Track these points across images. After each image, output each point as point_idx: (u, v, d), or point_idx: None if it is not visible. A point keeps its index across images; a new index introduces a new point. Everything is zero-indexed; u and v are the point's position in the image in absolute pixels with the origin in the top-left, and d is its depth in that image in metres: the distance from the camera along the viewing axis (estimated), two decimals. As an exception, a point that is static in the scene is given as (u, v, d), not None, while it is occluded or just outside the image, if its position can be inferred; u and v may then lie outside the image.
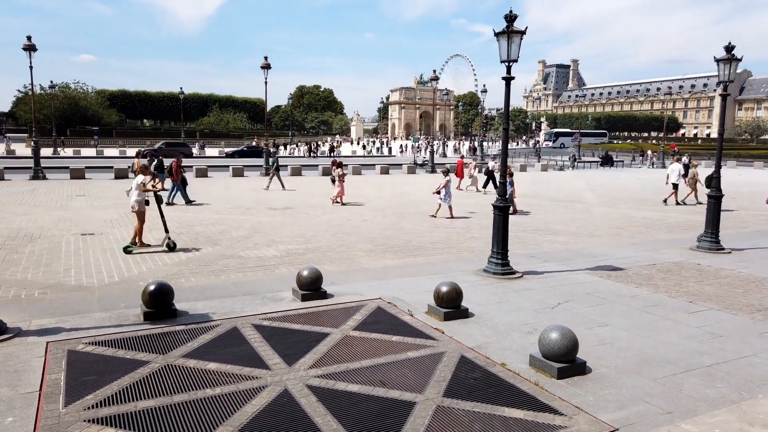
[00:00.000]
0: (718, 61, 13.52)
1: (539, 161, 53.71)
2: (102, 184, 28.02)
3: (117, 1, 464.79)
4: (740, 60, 13.35)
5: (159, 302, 7.87)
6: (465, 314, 8.24)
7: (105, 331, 7.36)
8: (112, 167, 33.21)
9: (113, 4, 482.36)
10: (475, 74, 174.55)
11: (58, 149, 57.73)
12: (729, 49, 13.25)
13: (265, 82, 35.35)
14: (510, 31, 10.06)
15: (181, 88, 67.86)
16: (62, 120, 77.27)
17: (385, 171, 38.95)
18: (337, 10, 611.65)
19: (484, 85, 62.43)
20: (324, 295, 9.07)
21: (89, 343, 6.93)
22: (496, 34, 10.25)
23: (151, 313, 7.84)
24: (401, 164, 45.02)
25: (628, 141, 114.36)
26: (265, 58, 34.16)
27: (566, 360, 6.25)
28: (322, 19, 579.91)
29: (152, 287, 7.89)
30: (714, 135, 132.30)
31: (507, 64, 10.30)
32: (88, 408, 5.32)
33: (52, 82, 69.06)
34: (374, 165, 42.29)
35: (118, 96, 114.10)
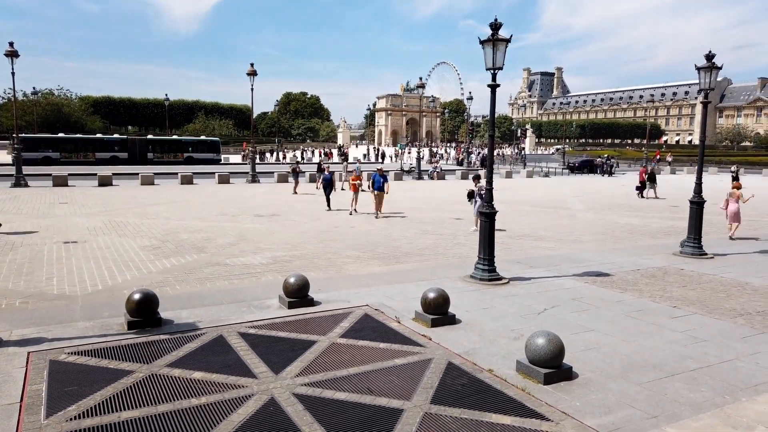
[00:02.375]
0: (698, 69, 13.75)
1: (524, 168, 54.15)
2: (86, 191, 27.71)
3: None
4: (720, 68, 13.60)
5: (143, 311, 7.78)
6: (452, 320, 8.25)
7: (88, 341, 7.25)
8: (95, 174, 32.85)
9: (101, 2, 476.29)
10: (461, 82, 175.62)
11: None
12: (709, 57, 13.49)
13: (251, 89, 35.33)
14: (495, 39, 10.16)
15: (166, 95, 67.43)
16: (45, 127, 76.32)
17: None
18: (333, 9, 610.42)
19: (470, 93, 62.97)
20: (311, 303, 9.03)
21: (72, 353, 6.83)
22: (481, 42, 10.35)
23: (135, 322, 7.74)
24: (388, 171, 45.02)
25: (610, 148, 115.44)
26: (251, 64, 34.08)
27: (553, 365, 6.28)
28: (316, 20, 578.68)
29: (136, 296, 7.80)
30: (696, 142, 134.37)
31: (492, 71, 10.40)
32: (71, 419, 5.24)
33: (34, 88, 68.50)
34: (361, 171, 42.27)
35: (102, 102, 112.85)
